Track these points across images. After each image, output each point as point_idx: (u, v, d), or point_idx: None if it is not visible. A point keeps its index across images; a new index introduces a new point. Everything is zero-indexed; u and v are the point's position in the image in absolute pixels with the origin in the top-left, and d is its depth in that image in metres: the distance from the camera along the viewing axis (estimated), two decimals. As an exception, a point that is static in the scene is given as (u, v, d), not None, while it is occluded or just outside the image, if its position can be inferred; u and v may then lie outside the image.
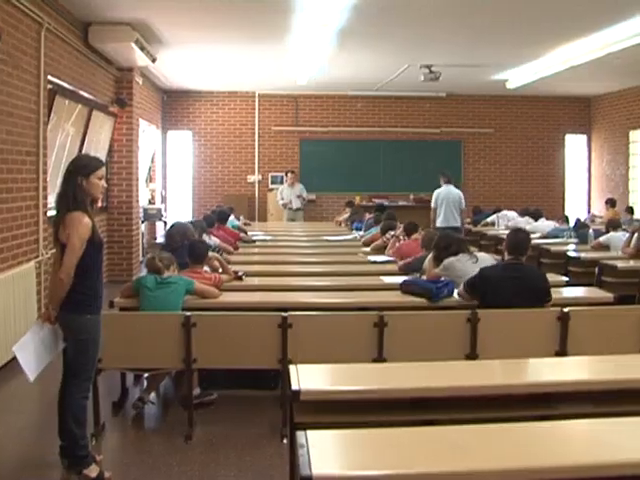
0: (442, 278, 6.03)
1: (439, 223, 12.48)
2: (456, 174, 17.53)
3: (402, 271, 7.13)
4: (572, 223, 12.46)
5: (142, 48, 10.47)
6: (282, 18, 9.57)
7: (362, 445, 2.85)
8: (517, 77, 14.78)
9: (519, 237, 5.72)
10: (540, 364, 4.24)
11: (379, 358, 5.04)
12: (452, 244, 6.30)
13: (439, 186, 12.85)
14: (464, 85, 16.32)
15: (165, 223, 14.61)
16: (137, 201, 12.60)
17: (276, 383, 5.80)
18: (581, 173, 18.85)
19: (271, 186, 17.39)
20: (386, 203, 15.75)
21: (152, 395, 5.85)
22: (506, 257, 5.65)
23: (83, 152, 9.92)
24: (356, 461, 2.73)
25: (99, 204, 5.78)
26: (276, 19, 9.65)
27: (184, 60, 12.99)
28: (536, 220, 12.69)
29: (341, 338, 5.15)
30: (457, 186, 13.34)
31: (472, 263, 6.05)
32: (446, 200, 12.58)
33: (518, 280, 5.44)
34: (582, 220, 12.82)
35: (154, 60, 11.60)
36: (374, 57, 12.67)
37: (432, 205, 12.74)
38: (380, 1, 8.85)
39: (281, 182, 16.79)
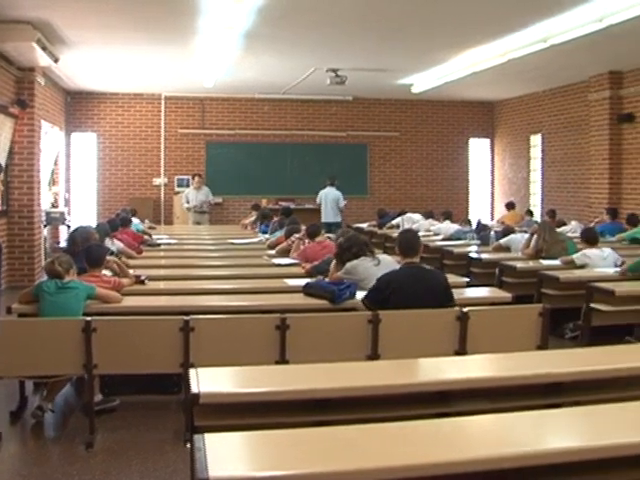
0: (345, 280, 6.08)
1: (322, 219, 14.73)
2: (362, 177, 17.81)
3: (310, 273, 7.14)
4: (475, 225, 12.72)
5: (44, 48, 10.23)
6: (188, 20, 9.50)
7: (261, 447, 2.87)
8: (422, 82, 15.02)
9: (409, 237, 5.75)
10: (439, 363, 4.32)
11: (282, 360, 5.05)
12: (354, 246, 6.34)
13: (324, 187, 15.16)
14: (370, 89, 16.50)
15: (68, 227, 14.30)
16: (39, 204, 12.32)
17: (179, 387, 5.75)
18: (484, 176, 19.28)
19: (177, 189, 17.22)
20: (292, 206, 15.77)
21: (52, 403, 5.72)
22: (402, 260, 5.66)
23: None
24: (254, 463, 2.74)
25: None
26: (182, 21, 9.58)
27: (89, 61, 12.75)
28: (445, 221, 12.88)
29: (244, 341, 5.15)
30: (338, 188, 15.22)
31: (374, 265, 6.12)
32: (326, 199, 15.03)
33: (420, 283, 5.47)
34: (483, 222, 13.09)
35: (57, 60, 11.36)
36: (280, 60, 12.69)
37: (317, 201, 15.32)
38: (286, 5, 8.87)
39: (187, 185, 16.63)
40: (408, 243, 5.64)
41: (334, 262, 6.58)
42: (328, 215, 15.06)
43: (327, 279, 6.48)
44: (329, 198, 15.08)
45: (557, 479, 3.00)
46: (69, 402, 6.13)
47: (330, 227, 13.97)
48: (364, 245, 6.43)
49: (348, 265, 6.20)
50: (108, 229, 8.73)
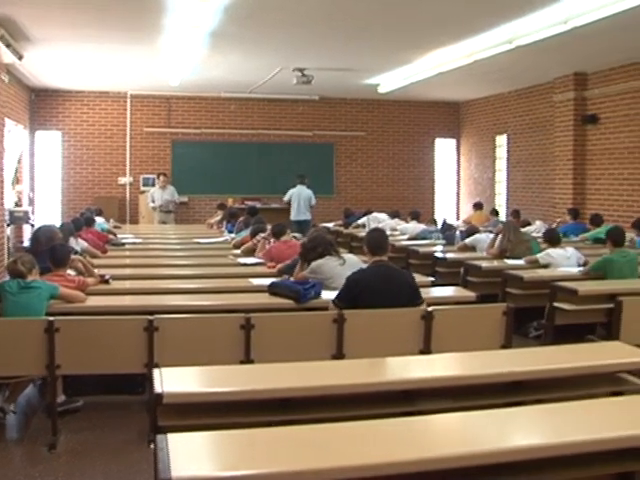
0: (310, 280, 6.08)
1: (292, 217, 14.87)
2: (328, 176, 17.83)
3: (280, 273, 7.12)
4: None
5: (8, 45, 10.13)
6: (154, 18, 9.45)
7: (225, 446, 2.86)
8: (388, 82, 15.08)
9: (377, 236, 5.77)
10: (403, 362, 4.34)
11: (246, 360, 5.04)
12: (318, 246, 6.35)
13: (294, 186, 15.12)
14: (337, 89, 16.53)
15: (32, 226, 14.16)
16: (2, 204, 12.14)
17: (144, 388, 5.72)
18: (450, 176, 19.39)
19: (142, 188, 17.12)
20: (258, 205, 15.78)
21: (14, 404, 5.66)
22: (370, 259, 5.66)
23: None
24: (218, 462, 2.74)
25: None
26: (148, 19, 9.53)
27: (54, 58, 12.64)
28: (413, 220, 12.92)
29: (208, 341, 5.12)
30: (309, 186, 15.24)
31: (339, 265, 6.13)
32: (298, 197, 15.03)
33: (388, 281, 5.48)
34: (448, 222, 13.15)
35: (21, 58, 11.25)
36: (247, 59, 12.67)
37: (285, 199, 15.27)
38: (252, 4, 8.86)
39: (153, 184, 16.52)
40: (377, 242, 5.65)
41: (299, 263, 6.58)
42: (299, 213, 15.06)
43: (292, 278, 6.48)
44: (302, 196, 15.09)
45: (520, 476, 3.02)
46: (32, 403, 6.06)
47: (300, 225, 14.15)
48: (329, 245, 6.44)
49: (313, 264, 6.21)
50: (72, 228, 8.65)
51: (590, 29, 9.32)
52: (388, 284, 5.45)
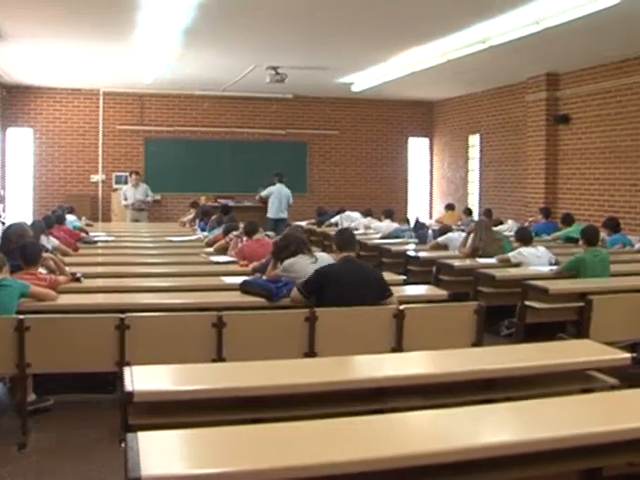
0: (282, 278, 6.08)
1: (271, 215, 15.05)
2: (301, 175, 17.84)
3: (255, 272, 7.09)
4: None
5: (-22, 41, 10.06)
6: (127, 15, 9.41)
7: (195, 445, 2.86)
8: (362, 81, 15.11)
9: (345, 233, 5.92)
10: (375, 360, 4.34)
11: (218, 358, 5.03)
12: (291, 244, 6.35)
13: (273, 184, 15.15)
14: (310, 87, 16.53)
15: (3, 224, 14.04)
16: (-28, 201, 12.09)
17: (115, 386, 5.69)
18: (423, 175, 19.45)
19: (115, 186, 17.03)
20: (232, 204, 15.74)
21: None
22: (338, 255, 5.77)
23: None
24: (188, 460, 2.73)
25: None
26: (121, 16, 9.48)
27: (25, 55, 12.54)
28: (386, 219, 12.94)
29: (180, 339, 5.11)
30: (288, 186, 15.34)
31: (312, 263, 6.12)
32: (279, 196, 15.08)
33: (355, 274, 5.56)
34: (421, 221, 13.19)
35: (-9, 54, 11.18)
36: (220, 57, 12.65)
37: (261, 195, 15.33)
38: (226, 2, 8.85)
39: (125, 182, 16.42)
40: (344, 238, 5.83)
41: (272, 262, 6.58)
42: (277, 211, 15.12)
43: (265, 277, 6.47)
44: (282, 194, 15.18)
45: (491, 473, 3.05)
46: (1, 402, 6.01)
47: (277, 223, 14.24)
48: (302, 243, 6.45)
49: (286, 263, 6.20)
50: (44, 226, 8.59)
51: (562, 30, 9.40)
52: (355, 277, 5.54)
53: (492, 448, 2.94)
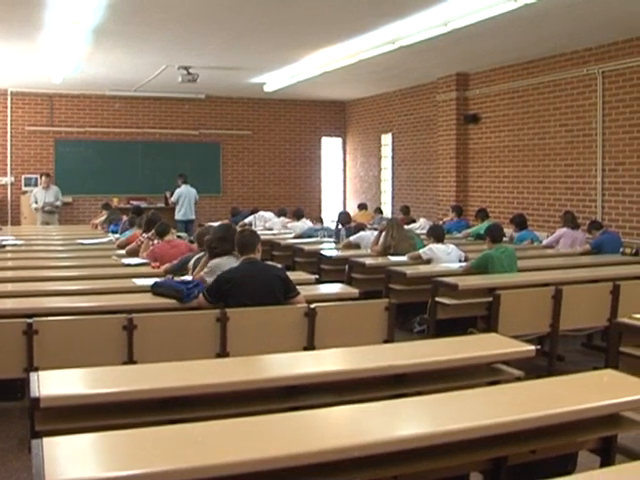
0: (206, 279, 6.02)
1: (180, 217, 15.47)
2: (215, 176, 17.80)
3: (168, 273, 7.01)
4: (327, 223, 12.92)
5: None
6: (34, 13, 9.19)
7: (104, 448, 2.84)
8: (274, 81, 15.12)
9: (245, 235, 5.81)
10: (287, 359, 4.36)
11: (129, 361, 4.99)
12: (229, 238, 6.26)
13: (179, 186, 15.67)
14: (223, 87, 16.47)
15: None
16: None
17: (23, 393, 5.56)
18: (337, 175, 19.58)
19: (25, 188, 16.61)
20: (144, 205, 15.62)
21: None
22: (240, 257, 5.75)
23: None
24: (97, 464, 2.70)
25: None
26: (28, 14, 9.25)
27: None
28: (299, 219, 12.97)
29: (91, 342, 5.03)
30: (193, 185, 15.82)
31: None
32: (187, 197, 15.58)
33: (257, 276, 5.56)
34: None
35: None
36: (131, 57, 12.49)
37: (172, 200, 15.76)
38: (135, 1, 8.75)
39: (35, 184, 16.09)
40: (244, 241, 5.74)
41: (205, 258, 6.45)
42: (187, 213, 15.58)
43: (189, 277, 6.37)
44: (190, 196, 15.65)
45: (403, 466, 3.12)
46: None
47: (187, 225, 14.26)
48: (237, 243, 6.37)
49: (212, 263, 6.08)
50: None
51: (469, 31, 9.58)
52: (258, 279, 5.55)
53: (405, 441, 3.00)
